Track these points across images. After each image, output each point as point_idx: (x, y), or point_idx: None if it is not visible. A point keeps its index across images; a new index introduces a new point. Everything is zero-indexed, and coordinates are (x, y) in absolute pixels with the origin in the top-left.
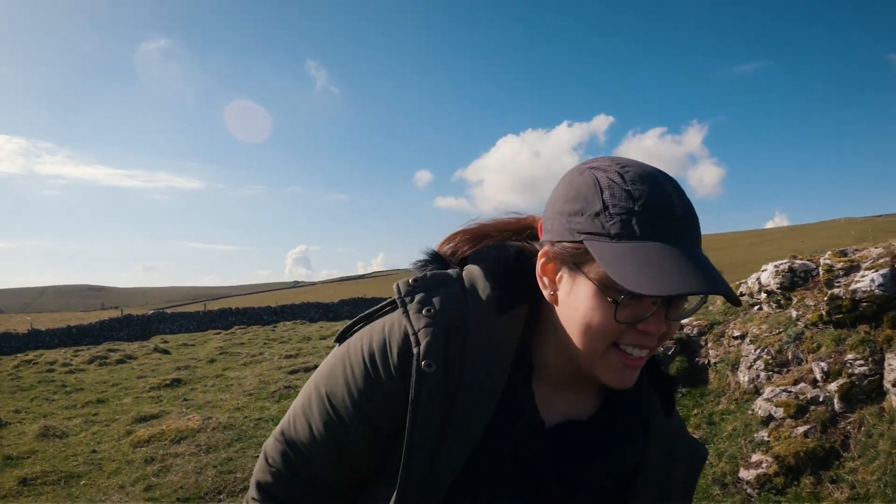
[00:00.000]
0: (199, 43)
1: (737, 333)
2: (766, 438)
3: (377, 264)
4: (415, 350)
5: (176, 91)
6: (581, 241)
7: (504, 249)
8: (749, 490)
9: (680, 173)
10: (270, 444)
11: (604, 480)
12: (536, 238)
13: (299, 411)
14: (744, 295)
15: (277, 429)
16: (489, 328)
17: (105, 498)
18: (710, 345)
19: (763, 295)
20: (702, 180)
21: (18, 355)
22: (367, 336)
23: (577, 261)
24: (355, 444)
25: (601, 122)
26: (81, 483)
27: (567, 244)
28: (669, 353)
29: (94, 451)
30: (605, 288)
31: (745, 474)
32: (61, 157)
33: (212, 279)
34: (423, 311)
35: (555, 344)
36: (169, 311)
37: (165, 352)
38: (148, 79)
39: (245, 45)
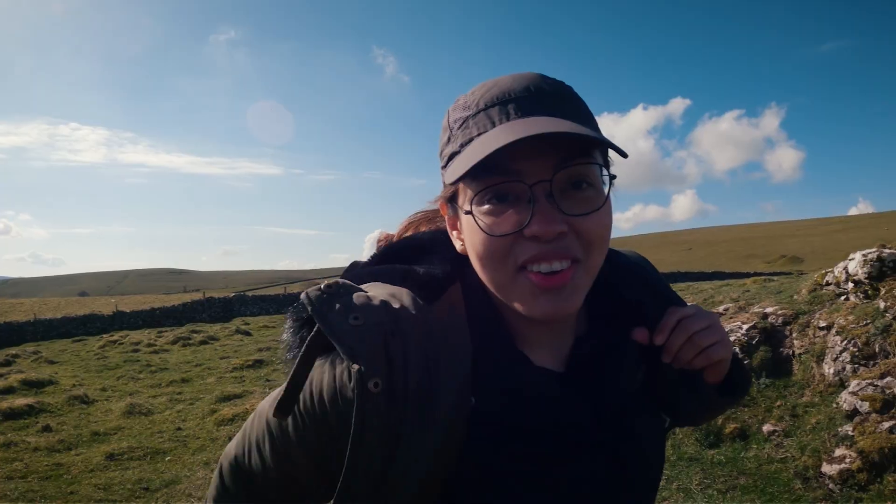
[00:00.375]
0: (265, 33)
1: (823, 324)
2: (850, 433)
3: None
4: (354, 370)
5: (247, 80)
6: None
7: (396, 251)
8: (831, 485)
9: (756, 157)
10: (225, 468)
11: (626, 399)
12: None
13: (252, 441)
14: (830, 284)
15: (231, 451)
16: (428, 321)
17: (190, 473)
18: (794, 335)
19: (850, 285)
20: (780, 164)
21: (104, 336)
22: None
23: (452, 200)
24: (305, 476)
25: (677, 105)
26: (167, 459)
27: (444, 189)
28: (753, 342)
29: (179, 429)
30: (469, 206)
31: (828, 469)
32: (143, 146)
33: (290, 263)
34: (351, 321)
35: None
36: (249, 294)
37: (247, 333)
38: (219, 69)
39: (309, 34)
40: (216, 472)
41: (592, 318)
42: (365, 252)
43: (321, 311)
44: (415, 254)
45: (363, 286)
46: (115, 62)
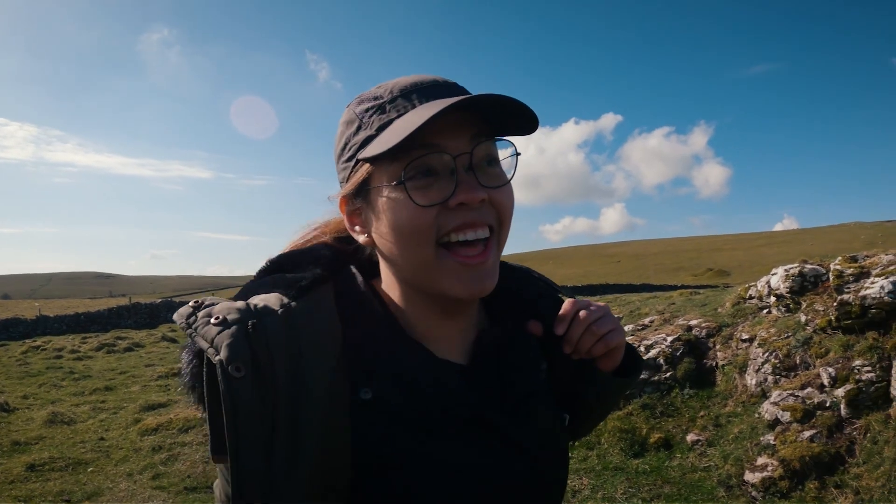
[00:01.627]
0: (198, 33)
1: (745, 336)
2: (772, 442)
3: None
4: (216, 360)
5: (179, 81)
6: (356, 164)
7: (276, 265)
8: (754, 493)
9: (684, 173)
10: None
11: (521, 388)
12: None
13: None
14: (753, 298)
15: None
16: (293, 314)
17: (113, 485)
18: (718, 347)
19: (772, 298)
20: (707, 180)
21: (27, 341)
22: None
23: (363, 187)
24: None
25: (609, 121)
26: (89, 470)
27: (351, 179)
28: (678, 353)
29: (102, 439)
30: (390, 181)
31: (751, 477)
32: (72, 144)
33: (219, 269)
34: (212, 321)
35: (397, 286)
36: (177, 299)
37: (173, 340)
38: (151, 69)
39: (244, 37)
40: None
41: (492, 315)
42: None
43: (189, 322)
44: (290, 266)
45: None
46: (45, 57)
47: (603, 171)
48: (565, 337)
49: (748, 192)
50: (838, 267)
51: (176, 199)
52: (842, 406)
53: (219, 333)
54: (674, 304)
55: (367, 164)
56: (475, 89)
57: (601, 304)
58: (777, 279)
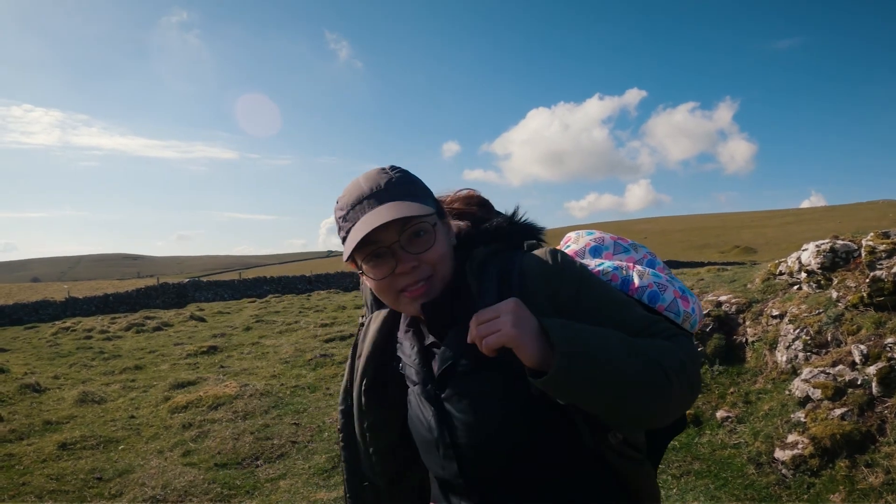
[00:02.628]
0: (216, 15)
1: (775, 312)
2: (802, 419)
3: None
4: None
5: (199, 63)
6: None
7: None
8: (784, 471)
9: (709, 149)
10: None
11: (461, 368)
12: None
13: None
14: (784, 274)
15: None
16: (375, 320)
17: (144, 462)
18: (747, 323)
19: (803, 275)
20: (733, 156)
21: (56, 323)
22: None
23: (355, 262)
24: None
25: (633, 96)
26: (120, 448)
27: (348, 259)
28: (707, 329)
29: (133, 417)
30: (359, 268)
31: (781, 454)
32: (97, 128)
33: (246, 248)
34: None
35: None
36: (204, 279)
37: (201, 319)
38: (172, 52)
39: (261, 16)
40: None
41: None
42: (321, 238)
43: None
44: None
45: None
46: (67, 43)
47: (627, 147)
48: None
49: (774, 168)
50: (870, 243)
51: (201, 179)
52: (873, 384)
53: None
54: (702, 280)
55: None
56: (498, 66)
57: (504, 303)
58: (808, 255)
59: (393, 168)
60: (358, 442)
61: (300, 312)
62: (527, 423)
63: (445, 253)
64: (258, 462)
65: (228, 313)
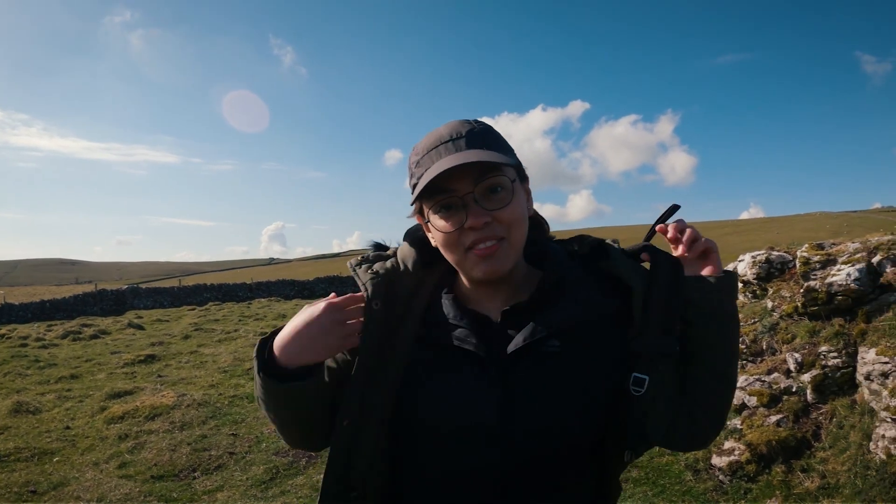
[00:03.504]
0: (160, 16)
1: None
2: (738, 426)
3: (353, 242)
4: (366, 294)
5: (143, 65)
6: (414, 199)
7: (419, 228)
8: (721, 477)
9: (650, 160)
10: None
11: (545, 347)
12: None
13: None
14: None
15: None
16: (418, 278)
17: (79, 475)
18: None
19: (740, 285)
20: (673, 168)
21: None
22: None
23: (422, 213)
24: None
25: (576, 108)
26: (55, 460)
27: (415, 208)
28: None
29: (68, 428)
30: (426, 218)
31: (718, 461)
32: (37, 129)
33: (186, 255)
34: (369, 273)
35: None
36: (143, 286)
37: (140, 327)
38: (115, 53)
39: (206, 20)
40: None
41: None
42: (263, 245)
43: (355, 270)
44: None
45: (400, 247)
46: (6, 40)
47: (569, 158)
48: (677, 238)
49: (714, 180)
50: (805, 254)
51: (141, 184)
52: (808, 391)
53: (370, 279)
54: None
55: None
56: (440, 76)
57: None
58: (744, 265)
59: (476, 121)
60: (356, 434)
61: (240, 321)
62: (598, 415)
63: (521, 217)
64: (195, 474)
65: (167, 321)
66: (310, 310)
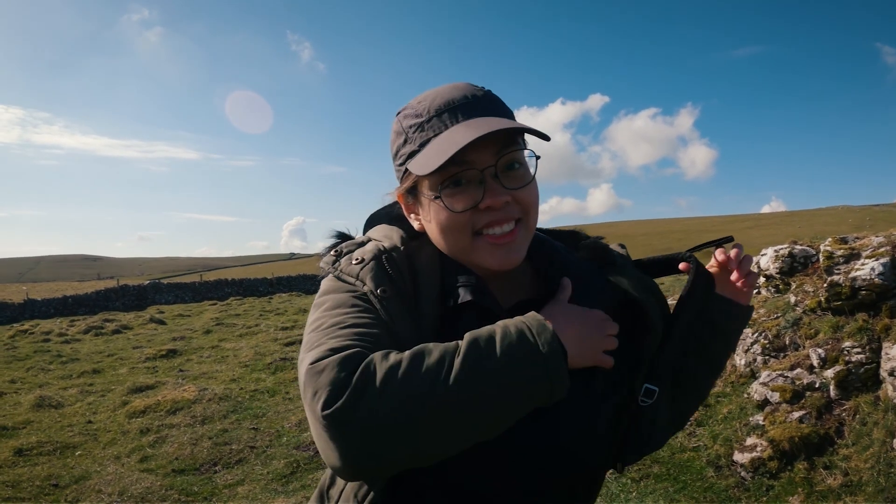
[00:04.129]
0: (177, 13)
1: None
2: (761, 422)
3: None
4: (364, 290)
5: (162, 62)
6: (406, 172)
7: (387, 206)
8: (743, 473)
9: (670, 154)
10: None
11: None
12: None
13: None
14: None
15: None
16: (411, 250)
17: (100, 468)
18: None
19: (762, 279)
20: (693, 161)
21: (14, 325)
22: None
23: (413, 190)
24: None
25: (595, 102)
26: (77, 453)
27: (403, 182)
28: None
29: (90, 422)
30: (432, 191)
31: (740, 457)
32: (58, 127)
33: (207, 250)
34: (353, 263)
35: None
36: (165, 281)
37: (161, 322)
38: (133, 50)
39: (223, 16)
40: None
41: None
42: (283, 240)
43: (334, 266)
44: (399, 213)
45: (372, 230)
46: (27, 40)
47: (589, 152)
48: (737, 270)
49: (735, 174)
50: (828, 248)
51: (162, 180)
52: (831, 387)
53: (361, 269)
54: (663, 284)
55: (413, 175)
56: (461, 69)
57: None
58: (767, 259)
59: (480, 85)
60: None
61: (261, 315)
62: (615, 420)
63: (538, 199)
64: (216, 468)
65: (189, 316)
66: (592, 316)
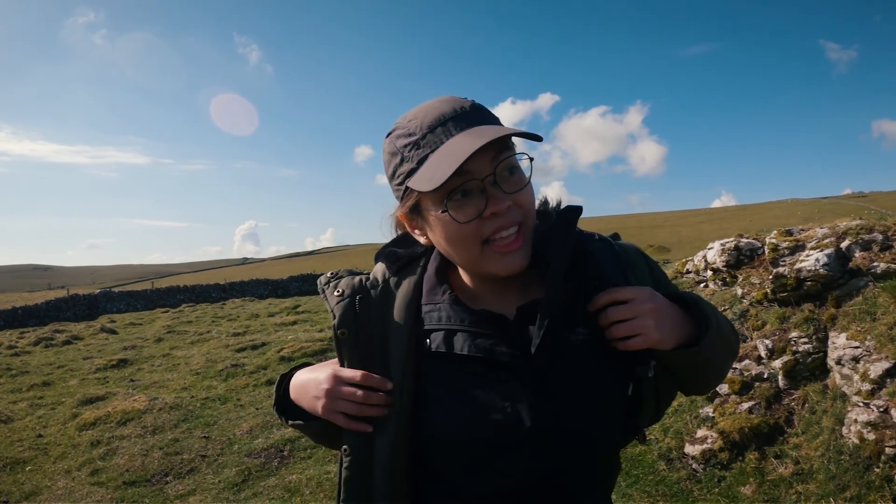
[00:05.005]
0: (123, 16)
1: None
2: (711, 414)
3: (326, 240)
4: (333, 323)
5: (108, 65)
6: (407, 190)
7: (395, 240)
8: (694, 465)
9: (620, 151)
10: None
11: (573, 336)
12: None
13: None
14: (690, 272)
15: None
16: (392, 290)
17: (51, 483)
18: None
19: (709, 272)
20: (643, 158)
21: None
22: None
23: (416, 208)
24: None
25: (546, 100)
26: (27, 469)
27: (404, 199)
28: None
29: (40, 436)
30: (437, 206)
31: (691, 450)
32: (5, 133)
33: (159, 257)
34: (336, 293)
35: (459, 268)
36: (116, 289)
37: (112, 331)
38: (80, 54)
39: (169, 19)
40: None
41: (549, 287)
42: (236, 244)
43: (324, 289)
44: (403, 243)
45: (377, 264)
46: None
47: (539, 151)
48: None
49: (685, 170)
50: (774, 240)
51: (112, 186)
52: (779, 377)
53: (337, 303)
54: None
55: (415, 194)
56: (412, 69)
57: (650, 297)
58: (713, 253)
59: (465, 97)
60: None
61: (213, 322)
62: (624, 405)
63: (535, 199)
64: (167, 478)
65: (140, 324)
66: (322, 372)
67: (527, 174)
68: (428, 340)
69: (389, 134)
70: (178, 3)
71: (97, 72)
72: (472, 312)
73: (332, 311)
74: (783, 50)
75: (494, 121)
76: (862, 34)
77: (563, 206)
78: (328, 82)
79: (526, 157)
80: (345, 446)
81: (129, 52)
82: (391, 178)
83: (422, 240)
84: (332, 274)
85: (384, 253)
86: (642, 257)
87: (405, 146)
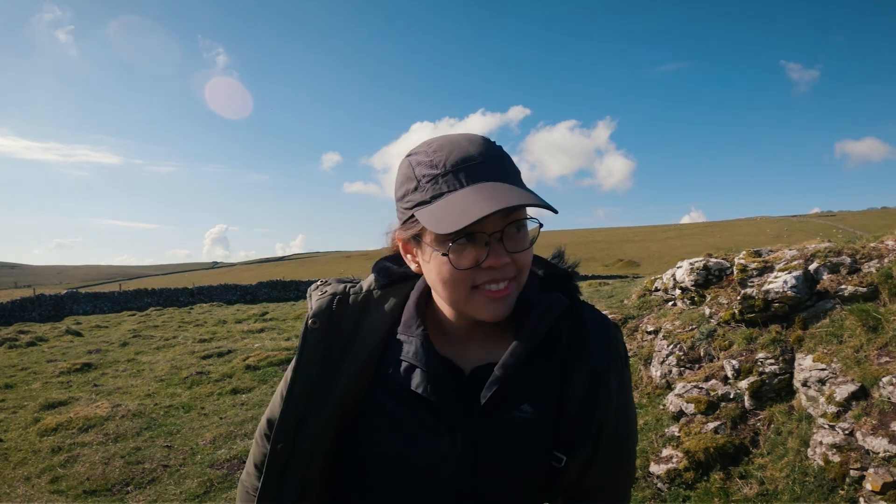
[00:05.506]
0: (90, 13)
1: (650, 328)
2: (676, 434)
3: (297, 246)
4: (308, 314)
5: (79, 63)
6: (412, 218)
7: (394, 255)
8: (659, 485)
9: (587, 165)
10: (259, 434)
11: (516, 412)
12: None
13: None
14: (659, 290)
15: (264, 418)
16: (373, 302)
17: (10, 490)
18: (623, 339)
19: (678, 291)
20: (611, 172)
21: None
22: None
23: (416, 234)
24: None
25: (517, 113)
26: None
27: (407, 223)
28: None
29: (1, 441)
30: (438, 245)
31: (656, 469)
32: None
33: (128, 258)
34: (318, 292)
35: (441, 303)
36: (83, 290)
37: (78, 334)
38: (49, 50)
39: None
40: (254, 442)
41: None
42: (206, 248)
43: (310, 296)
44: (399, 260)
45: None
46: None
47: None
48: None
49: (653, 185)
50: (742, 261)
51: (82, 184)
52: (745, 398)
53: (317, 299)
54: (581, 294)
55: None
56: (383, 81)
57: None
58: (682, 272)
59: (493, 140)
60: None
61: (180, 327)
62: (549, 463)
63: (532, 259)
64: (128, 488)
65: (106, 327)
66: None
67: (532, 236)
68: (391, 369)
69: (410, 155)
70: (142, 4)
71: (67, 69)
72: (436, 357)
73: (311, 306)
74: (747, 69)
75: (516, 174)
76: (825, 54)
77: (573, 268)
78: (296, 87)
79: (538, 223)
80: (278, 442)
81: (97, 51)
82: (400, 198)
83: (413, 266)
84: (322, 281)
85: (378, 266)
86: (626, 369)
87: (424, 176)
